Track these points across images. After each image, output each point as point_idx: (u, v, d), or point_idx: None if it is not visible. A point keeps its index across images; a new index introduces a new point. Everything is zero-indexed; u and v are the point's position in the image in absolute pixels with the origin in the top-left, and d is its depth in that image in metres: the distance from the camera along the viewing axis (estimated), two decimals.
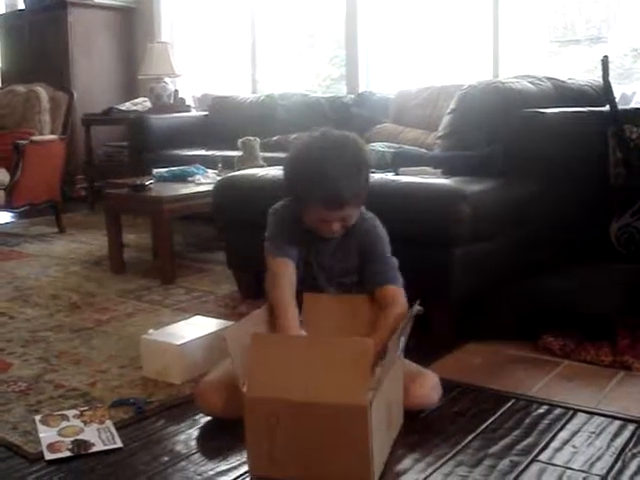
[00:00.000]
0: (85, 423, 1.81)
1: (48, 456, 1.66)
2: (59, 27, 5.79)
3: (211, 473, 1.60)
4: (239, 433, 1.57)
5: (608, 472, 1.56)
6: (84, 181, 5.65)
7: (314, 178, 1.80)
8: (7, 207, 4.37)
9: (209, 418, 1.84)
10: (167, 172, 3.74)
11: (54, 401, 1.98)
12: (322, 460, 1.50)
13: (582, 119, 2.74)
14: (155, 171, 3.75)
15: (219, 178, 3.21)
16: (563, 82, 3.00)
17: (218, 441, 1.74)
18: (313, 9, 5.57)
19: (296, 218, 1.92)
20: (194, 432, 1.80)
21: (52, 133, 4.74)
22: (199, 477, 1.58)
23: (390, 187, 2.42)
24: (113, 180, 3.89)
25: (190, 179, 3.65)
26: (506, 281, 2.41)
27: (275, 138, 4.54)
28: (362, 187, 1.85)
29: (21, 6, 6.29)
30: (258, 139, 3.88)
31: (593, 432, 1.75)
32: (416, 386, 1.81)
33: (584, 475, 1.55)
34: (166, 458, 1.67)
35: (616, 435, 1.73)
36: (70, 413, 1.87)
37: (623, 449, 1.66)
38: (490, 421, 1.82)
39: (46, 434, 1.75)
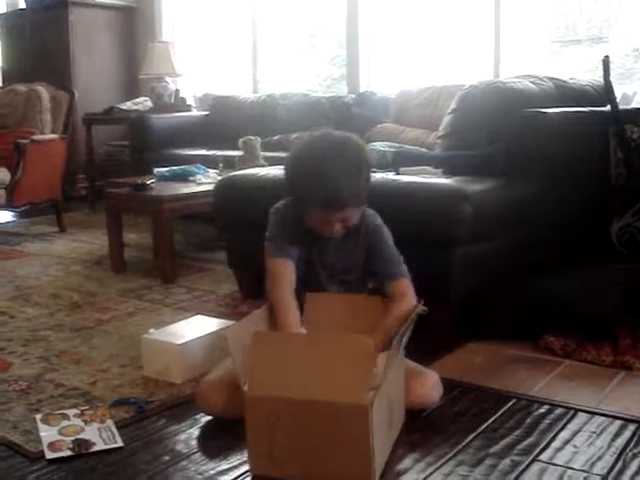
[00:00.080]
0: (86, 422, 1.81)
1: (49, 455, 1.66)
2: (60, 26, 5.79)
3: (212, 472, 1.60)
4: (240, 432, 1.58)
5: (609, 472, 1.56)
6: (85, 180, 5.65)
7: (314, 178, 1.80)
8: (8, 206, 4.38)
9: (210, 417, 1.84)
10: (168, 171, 3.74)
11: (55, 400, 1.98)
12: (323, 459, 1.50)
13: (583, 119, 2.74)
14: (156, 170, 3.75)
15: (220, 178, 3.21)
16: (564, 82, 3.00)
17: (219, 440, 1.74)
18: (314, 9, 5.57)
19: (297, 217, 1.92)
20: (195, 431, 1.80)
21: (53, 132, 4.74)
22: (200, 476, 1.58)
23: (391, 187, 2.42)
24: (114, 179, 3.89)
25: (191, 179, 3.65)
26: (507, 281, 2.41)
27: (276, 138, 4.54)
28: (362, 187, 1.85)
29: (22, 5, 6.29)
30: (259, 139, 3.88)
31: (594, 432, 1.75)
32: (417, 385, 1.82)
33: (585, 475, 1.55)
34: (167, 457, 1.67)
35: (617, 435, 1.73)
36: (71, 412, 1.87)
37: (624, 449, 1.66)
38: (491, 421, 1.82)
39: (47, 433, 1.75)
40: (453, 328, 2.34)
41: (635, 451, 1.64)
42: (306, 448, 1.51)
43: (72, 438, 1.73)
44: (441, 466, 1.60)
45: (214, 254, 3.76)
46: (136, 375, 2.15)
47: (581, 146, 2.65)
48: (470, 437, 1.73)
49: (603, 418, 1.82)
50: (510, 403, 1.92)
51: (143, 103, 5.70)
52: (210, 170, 3.77)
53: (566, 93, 2.92)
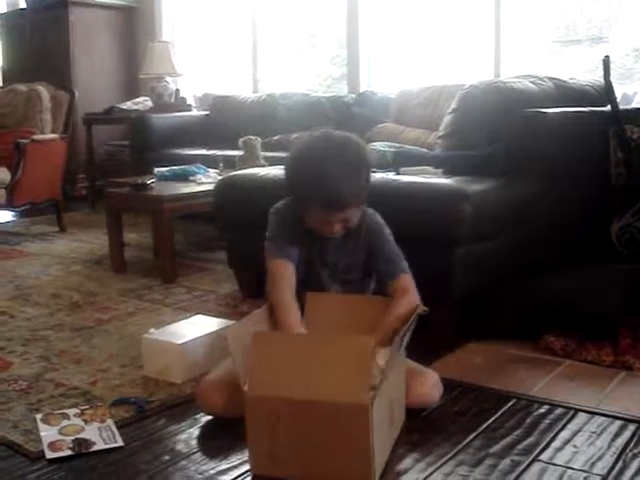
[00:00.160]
0: (86, 422, 1.81)
1: (49, 455, 1.66)
2: (60, 26, 5.79)
3: (212, 472, 1.60)
4: (240, 432, 1.58)
5: (609, 472, 1.56)
6: (85, 180, 5.66)
7: (314, 178, 1.80)
8: (8, 206, 4.38)
9: (210, 417, 1.84)
10: (168, 171, 3.74)
11: (55, 400, 1.98)
12: (323, 459, 1.50)
13: (583, 119, 2.74)
14: (156, 170, 3.75)
15: (220, 177, 3.21)
16: (564, 82, 2.99)
17: (219, 440, 1.74)
18: (314, 8, 5.57)
19: (297, 217, 1.92)
20: (195, 431, 1.80)
21: (53, 132, 4.75)
22: (200, 476, 1.58)
23: (391, 187, 2.42)
24: (114, 179, 3.89)
25: (191, 178, 3.65)
26: (507, 281, 2.41)
27: (276, 137, 4.54)
28: (362, 187, 1.85)
29: (22, 5, 6.29)
30: (259, 138, 3.88)
31: (594, 432, 1.75)
32: (417, 384, 1.82)
33: (585, 475, 1.55)
34: (167, 457, 1.67)
35: (617, 435, 1.73)
36: (71, 412, 1.87)
37: (624, 449, 1.66)
38: (491, 420, 1.82)
39: (47, 433, 1.75)
40: (454, 328, 2.34)
41: (635, 451, 1.64)
42: (306, 448, 1.51)
43: (72, 438, 1.73)
44: (441, 466, 1.60)
45: (214, 254, 3.76)
46: (136, 375, 2.15)
47: (581, 146, 2.65)
48: (470, 437, 1.73)
49: (603, 418, 1.82)
50: (510, 403, 1.92)
51: (143, 103, 5.70)
52: (210, 170, 3.77)
53: (566, 93, 2.92)
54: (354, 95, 4.76)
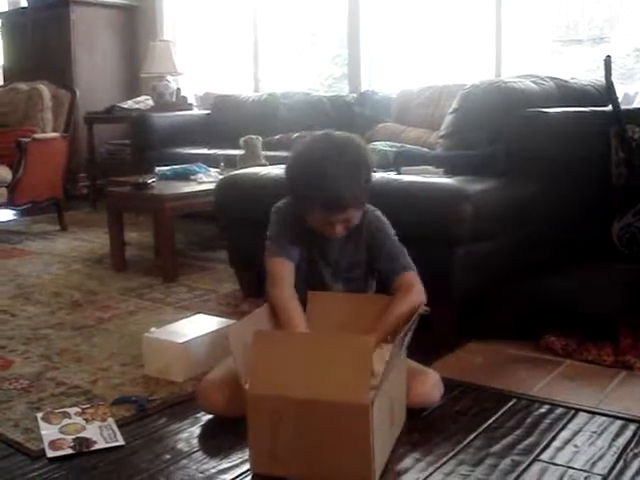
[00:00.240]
0: (87, 421, 1.81)
1: (50, 453, 1.66)
2: (62, 25, 5.80)
3: (213, 471, 1.60)
4: (241, 431, 1.58)
5: (609, 472, 1.56)
6: (86, 179, 5.66)
7: (314, 178, 1.80)
8: (9, 205, 4.38)
9: (211, 416, 1.84)
10: (169, 170, 3.74)
11: (56, 399, 1.98)
12: (324, 458, 1.50)
13: (584, 119, 2.74)
14: (157, 169, 3.75)
15: (221, 177, 3.21)
16: (566, 82, 2.99)
17: (220, 439, 1.74)
18: (315, 8, 5.57)
19: (298, 216, 1.92)
20: (196, 430, 1.80)
21: (54, 131, 4.75)
22: (201, 475, 1.58)
23: (392, 186, 2.42)
24: (115, 178, 3.90)
25: (192, 177, 3.65)
26: (507, 281, 2.41)
27: (277, 137, 4.54)
28: (362, 188, 1.85)
29: (24, 4, 6.30)
30: (260, 138, 3.88)
31: (595, 432, 1.75)
32: (417, 384, 1.82)
33: (585, 475, 1.55)
34: (168, 456, 1.67)
35: (618, 435, 1.73)
36: (72, 411, 1.87)
37: (624, 449, 1.66)
38: (492, 420, 1.82)
39: (48, 431, 1.75)
40: (454, 327, 2.34)
41: (636, 451, 1.64)
42: (307, 447, 1.51)
43: (73, 436, 1.73)
44: (442, 465, 1.60)
45: (215, 253, 3.77)
46: (137, 374, 2.15)
47: (582, 146, 2.65)
48: (471, 436, 1.73)
49: (604, 418, 1.82)
50: (511, 403, 1.92)
51: (144, 102, 5.70)
52: (211, 169, 3.77)
53: (567, 93, 2.92)
54: (355, 95, 4.75)
